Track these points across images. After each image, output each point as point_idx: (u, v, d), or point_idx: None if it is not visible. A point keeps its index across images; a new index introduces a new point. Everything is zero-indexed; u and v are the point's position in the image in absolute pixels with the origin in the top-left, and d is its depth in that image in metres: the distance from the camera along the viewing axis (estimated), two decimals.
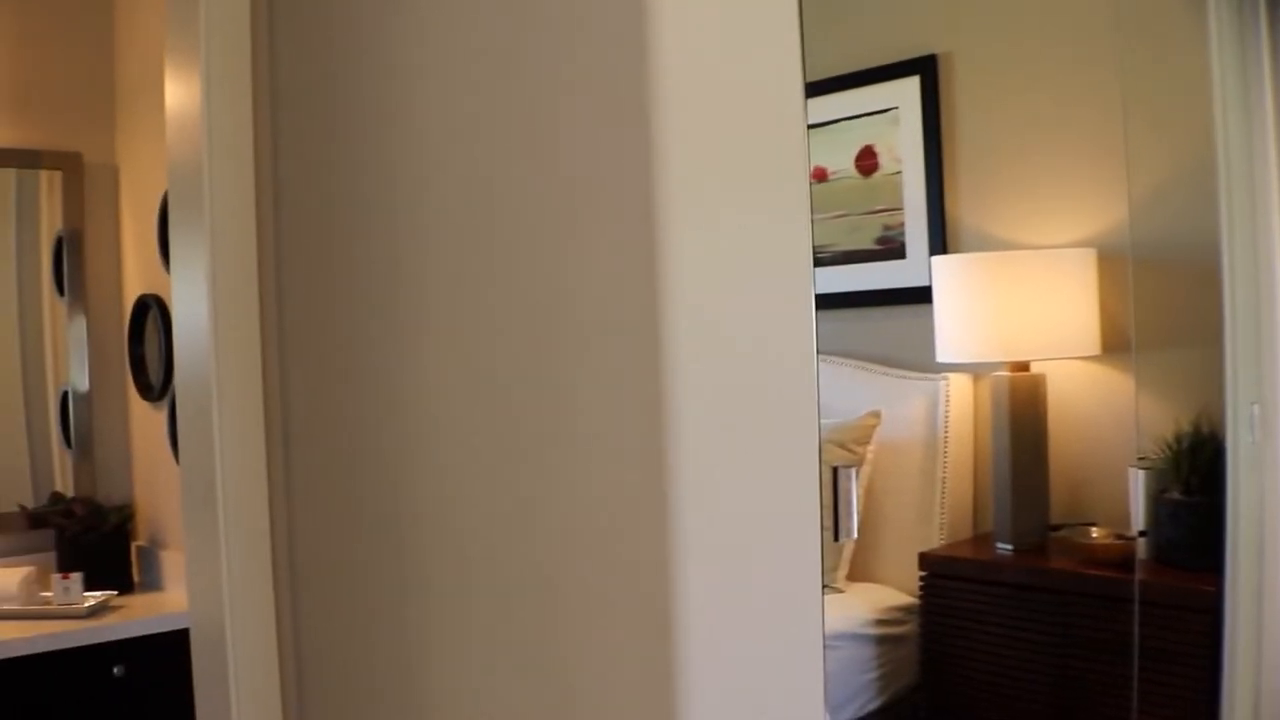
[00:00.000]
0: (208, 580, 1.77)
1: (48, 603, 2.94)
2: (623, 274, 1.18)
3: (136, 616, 2.90)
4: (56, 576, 2.97)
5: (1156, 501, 2.98)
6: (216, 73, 1.74)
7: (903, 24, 3.75)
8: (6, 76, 3.29)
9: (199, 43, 1.73)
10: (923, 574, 3.29)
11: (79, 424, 3.37)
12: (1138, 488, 3.03)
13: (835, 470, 1.75)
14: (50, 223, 3.39)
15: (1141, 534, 3.01)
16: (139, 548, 3.31)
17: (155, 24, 3.13)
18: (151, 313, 3.26)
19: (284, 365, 1.74)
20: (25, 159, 3.32)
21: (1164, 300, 3.09)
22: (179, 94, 1.82)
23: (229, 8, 1.75)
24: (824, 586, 1.30)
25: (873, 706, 3.24)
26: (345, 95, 1.62)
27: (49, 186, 3.37)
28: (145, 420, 3.35)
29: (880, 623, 3.30)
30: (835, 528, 1.85)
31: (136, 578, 3.27)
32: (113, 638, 2.83)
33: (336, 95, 1.64)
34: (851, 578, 3.52)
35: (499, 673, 1.38)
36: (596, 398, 1.23)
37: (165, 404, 3.18)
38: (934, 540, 3.43)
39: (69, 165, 3.37)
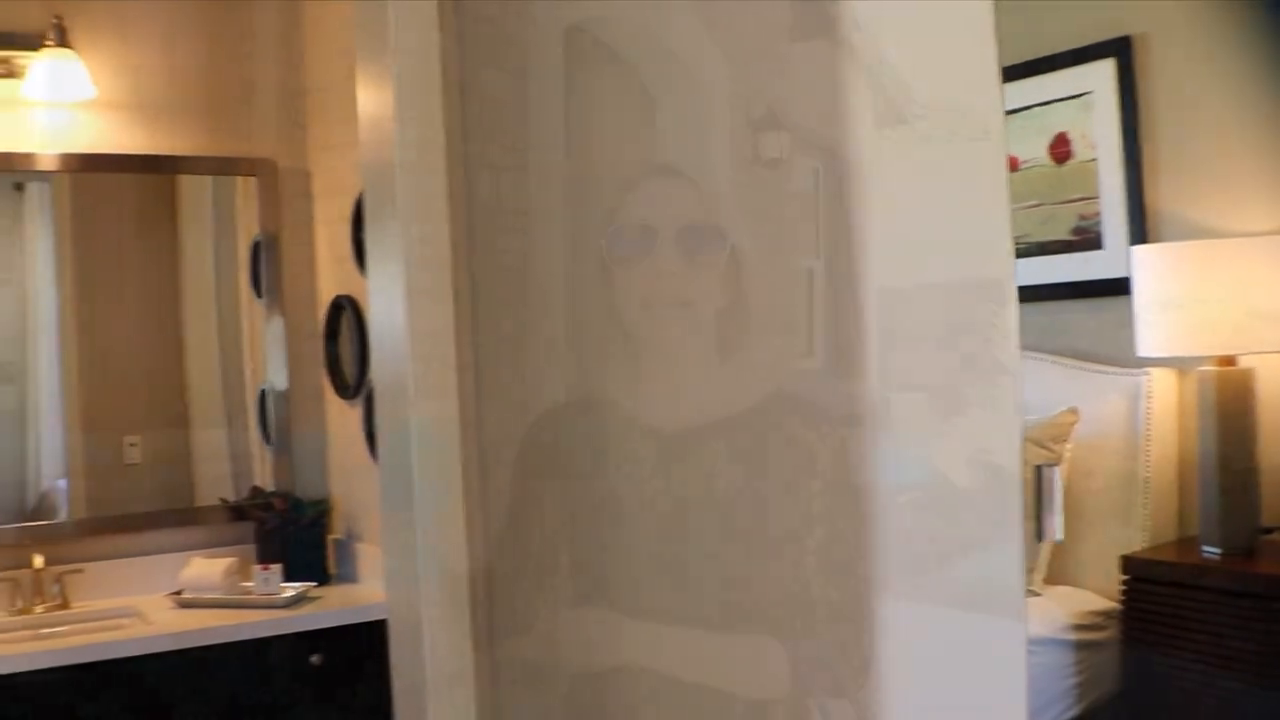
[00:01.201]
0: (405, 577, 1.79)
1: (248, 593, 3.04)
2: (814, 268, 1.16)
3: (333, 607, 2.99)
4: (257, 568, 3.08)
5: None
6: (407, 77, 1.76)
7: (1094, 5, 3.60)
8: (202, 86, 3.42)
9: (389, 48, 1.75)
10: (1124, 578, 3.15)
11: (277, 421, 3.48)
12: None
13: (1039, 469, 1.70)
14: (246, 227, 3.51)
15: None
16: (335, 541, 3.41)
17: (343, 31, 3.20)
18: (345, 313, 3.34)
19: (479, 366, 1.75)
20: (221, 166, 3.44)
21: None
22: (370, 99, 1.84)
23: (417, 13, 1.77)
24: None
25: (1070, 715, 3.13)
26: (535, 95, 1.62)
27: (245, 192, 3.50)
28: (340, 417, 3.44)
29: (1079, 628, 3.17)
30: (1039, 528, 1.79)
31: (333, 570, 3.36)
32: (310, 627, 2.91)
33: (526, 94, 1.64)
34: (1049, 580, 3.40)
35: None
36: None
37: (359, 401, 3.26)
38: (1135, 543, 3.28)
39: (264, 171, 3.48)
